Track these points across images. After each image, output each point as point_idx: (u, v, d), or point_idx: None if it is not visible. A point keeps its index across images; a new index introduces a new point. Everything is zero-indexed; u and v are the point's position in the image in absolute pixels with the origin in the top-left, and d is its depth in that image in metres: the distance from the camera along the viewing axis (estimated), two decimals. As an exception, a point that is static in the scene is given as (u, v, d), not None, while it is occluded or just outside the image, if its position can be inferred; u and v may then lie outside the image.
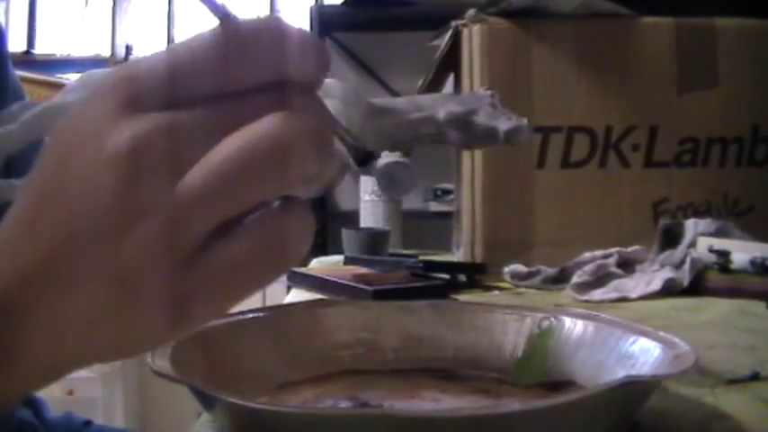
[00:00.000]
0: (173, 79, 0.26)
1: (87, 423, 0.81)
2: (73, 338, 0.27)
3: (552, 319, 0.54)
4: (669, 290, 0.86)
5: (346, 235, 1.20)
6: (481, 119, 0.54)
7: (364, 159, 0.36)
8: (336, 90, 0.60)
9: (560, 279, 0.93)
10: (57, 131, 0.28)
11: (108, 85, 0.26)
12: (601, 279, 0.89)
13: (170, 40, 3.20)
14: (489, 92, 0.57)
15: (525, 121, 0.56)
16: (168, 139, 0.25)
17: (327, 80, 0.63)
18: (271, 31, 0.26)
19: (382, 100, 0.58)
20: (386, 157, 0.54)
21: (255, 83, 0.26)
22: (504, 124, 0.54)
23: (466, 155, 1.06)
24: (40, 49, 3.06)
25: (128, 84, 0.26)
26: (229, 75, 0.26)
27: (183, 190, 0.25)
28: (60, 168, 0.26)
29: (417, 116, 0.55)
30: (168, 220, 0.25)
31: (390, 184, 0.52)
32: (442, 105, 0.55)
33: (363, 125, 0.55)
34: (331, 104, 0.59)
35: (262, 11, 3.01)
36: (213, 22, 0.27)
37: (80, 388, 1.88)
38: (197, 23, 3.19)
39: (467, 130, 0.54)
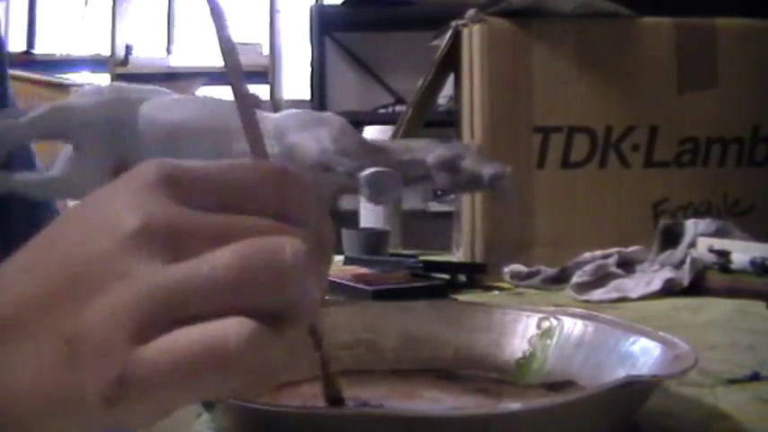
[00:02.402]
0: (203, 183, 0.28)
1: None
2: (18, 391, 0.26)
3: (552, 319, 0.54)
4: (669, 290, 0.86)
5: (346, 235, 1.20)
6: (467, 164, 0.56)
7: (335, 402, 0.36)
8: (334, 121, 0.61)
9: (560, 279, 0.93)
10: (84, 202, 0.29)
11: (152, 163, 0.28)
12: (601, 279, 0.89)
13: (170, 40, 3.21)
14: (477, 144, 0.60)
15: (509, 168, 0.58)
16: (178, 229, 0.26)
17: (326, 113, 0.65)
18: (279, 178, 0.29)
19: (375, 139, 0.62)
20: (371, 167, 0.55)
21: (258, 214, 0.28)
22: (488, 171, 0.56)
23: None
24: (40, 49, 3.06)
25: (163, 170, 0.27)
26: (250, 202, 0.28)
27: (175, 276, 0.25)
28: (65, 228, 0.28)
29: (407, 158, 0.56)
30: (144, 296, 0.25)
31: (376, 192, 0.53)
32: (431, 150, 0.57)
33: (358, 158, 0.56)
34: (328, 133, 0.60)
35: (262, 11, 3.01)
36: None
37: (80, 388, 1.88)
38: (197, 23, 3.19)
39: (453, 175, 0.56)
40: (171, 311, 0.25)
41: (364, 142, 0.59)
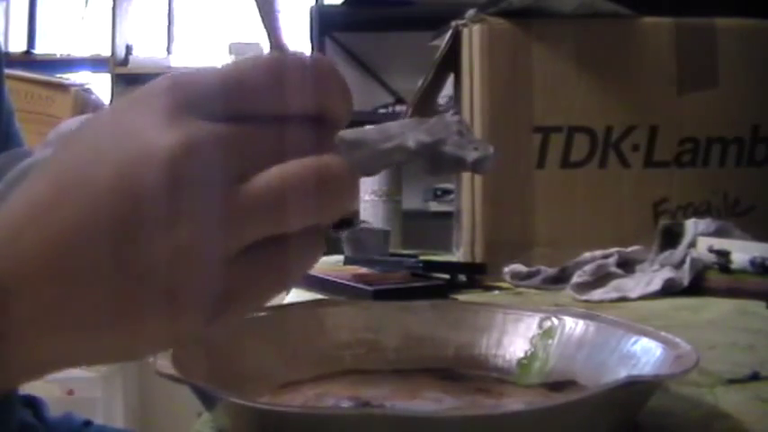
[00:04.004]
0: (227, 92, 0.27)
1: (87, 423, 0.81)
2: (70, 337, 0.26)
3: (554, 318, 0.54)
4: (669, 290, 0.86)
5: (346, 235, 1.20)
6: (449, 149, 0.56)
7: (340, 225, 0.36)
8: None
9: (560, 279, 0.93)
10: (92, 122, 0.27)
11: (159, 88, 0.26)
12: (601, 279, 0.89)
13: (170, 40, 3.20)
14: (456, 117, 0.59)
15: (492, 149, 0.58)
16: (221, 147, 0.26)
17: None
18: (318, 68, 0.28)
19: (353, 132, 0.60)
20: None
21: (299, 112, 0.27)
22: (471, 155, 0.56)
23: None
24: (40, 49, 3.06)
25: (182, 88, 0.26)
26: (278, 100, 0.27)
27: (246, 198, 0.26)
28: (95, 158, 0.26)
29: (388, 146, 0.56)
30: (218, 222, 0.25)
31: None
32: (411, 133, 0.56)
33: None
34: None
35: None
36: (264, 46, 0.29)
37: (80, 388, 1.88)
38: (197, 24, 3.19)
39: (436, 159, 0.56)
40: (243, 229, 0.26)
41: (342, 141, 0.58)
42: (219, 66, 0.27)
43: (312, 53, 0.29)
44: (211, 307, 0.26)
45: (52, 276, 0.25)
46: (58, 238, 0.25)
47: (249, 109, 0.27)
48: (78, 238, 0.25)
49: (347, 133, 0.60)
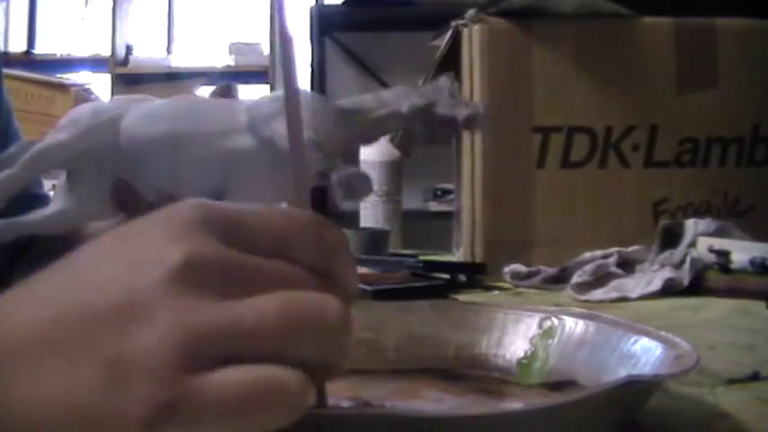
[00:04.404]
0: (242, 227, 0.28)
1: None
2: (45, 408, 0.26)
3: (554, 318, 0.54)
4: (669, 290, 0.86)
5: (346, 235, 1.20)
6: (441, 109, 0.56)
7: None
8: (305, 101, 0.60)
9: (560, 279, 0.93)
10: (116, 234, 0.29)
11: (186, 204, 0.28)
12: (601, 279, 0.89)
13: (170, 40, 3.21)
14: (449, 81, 0.58)
15: (482, 107, 0.57)
16: (223, 266, 0.27)
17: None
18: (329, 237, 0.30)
19: (348, 101, 0.59)
20: (342, 167, 0.55)
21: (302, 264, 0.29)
22: (461, 113, 0.55)
23: (466, 154, 1.06)
24: (40, 49, 3.06)
25: (203, 210, 0.28)
26: (286, 251, 0.28)
27: (225, 315, 0.26)
28: (104, 256, 0.28)
29: (383, 113, 0.56)
30: (194, 329, 0.25)
31: (348, 193, 0.53)
32: (405, 99, 0.56)
33: (334, 131, 0.55)
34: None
35: (262, 11, 3.01)
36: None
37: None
38: (197, 24, 3.19)
39: (429, 123, 0.56)
40: (218, 349, 0.26)
41: (339, 110, 0.57)
42: (244, 207, 0.29)
43: (328, 222, 0.31)
44: (157, 411, 0.25)
45: (39, 349, 0.26)
46: (52, 315, 0.26)
47: (255, 247, 0.28)
48: (67, 319, 0.26)
49: (345, 102, 0.59)
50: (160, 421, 0.25)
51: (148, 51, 3.11)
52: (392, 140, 1.20)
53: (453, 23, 1.07)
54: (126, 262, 0.27)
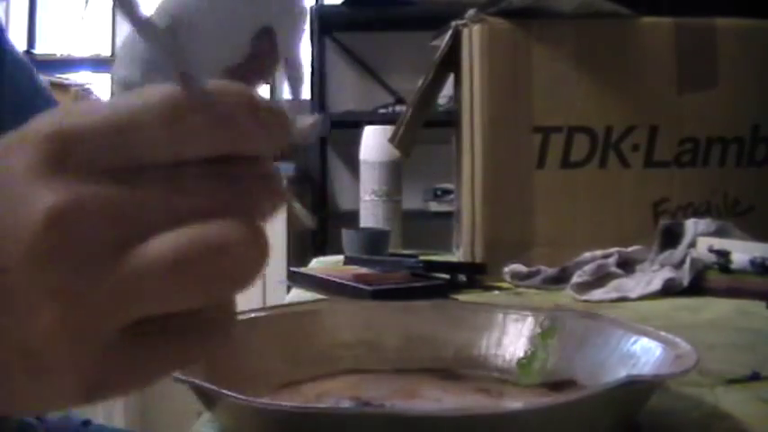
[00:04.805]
0: (115, 141, 0.23)
1: (86, 423, 0.81)
2: None
3: (554, 318, 0.54)
4: (669, 290, 0.86)
5: (346, 235, 1.20)
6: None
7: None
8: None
9: (560, 279, 0.93)
10: None
11: (37, 137, 0.23)
12: (601, 279, 0.89)
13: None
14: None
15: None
16: (105, 212, 0.22)
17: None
18: (224, 101, 0.24)
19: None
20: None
21: (202, 155, 0.24)
22: None
23: (466, 154, 1.06)
24: (40, 49, 3.06)
25: (63, 138, 0.23)
26: (175, 144, 0.23)
27: (131, 270, 0.22)
28: None
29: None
30: (88, 304, 0.22)
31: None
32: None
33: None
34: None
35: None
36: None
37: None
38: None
39: None
40: (132, 309, 0.23)
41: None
42: (108, 106, 0.24)
43: (221, 84, 0.24)
44: (89, 386, 0.23)
45: None
46: None
47: (142, 158, 0.23)
48: None
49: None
50: (99, 390, 0.24)
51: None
52: (392, 140, 1.19)
53: (453, 23, 1.07)
54: None
